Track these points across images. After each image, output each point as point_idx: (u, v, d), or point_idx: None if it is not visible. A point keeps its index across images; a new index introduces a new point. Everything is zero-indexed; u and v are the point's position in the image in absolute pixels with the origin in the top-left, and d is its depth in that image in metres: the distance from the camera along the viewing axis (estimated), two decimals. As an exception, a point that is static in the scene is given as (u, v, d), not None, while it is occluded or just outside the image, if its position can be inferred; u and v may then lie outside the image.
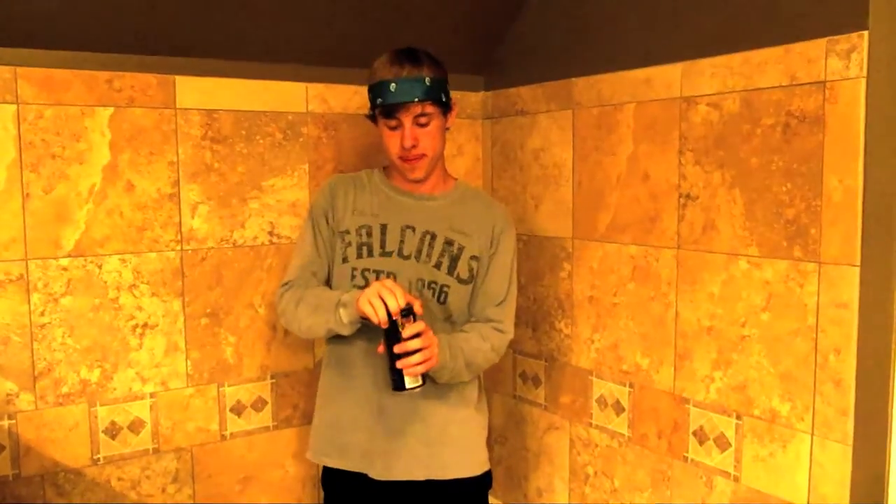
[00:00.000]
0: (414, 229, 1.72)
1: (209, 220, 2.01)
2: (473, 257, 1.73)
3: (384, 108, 1.65)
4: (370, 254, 1.72)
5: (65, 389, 1.85)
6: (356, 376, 1.73)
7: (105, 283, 1.88)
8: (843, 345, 1.57)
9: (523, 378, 2.40)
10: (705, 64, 1.78)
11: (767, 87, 1.66)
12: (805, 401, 1.64)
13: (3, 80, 1.73)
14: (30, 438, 1.81)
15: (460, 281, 1.72)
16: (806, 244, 1.61)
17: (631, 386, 2.04)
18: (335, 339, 1.75)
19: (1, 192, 1.74)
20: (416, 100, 1.62)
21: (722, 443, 1.81)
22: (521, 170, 2.34)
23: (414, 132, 1.65)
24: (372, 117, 1.71)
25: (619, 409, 2.08)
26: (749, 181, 1.71)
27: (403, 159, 1.68)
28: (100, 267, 1.87)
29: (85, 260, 1.85)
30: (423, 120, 1.65)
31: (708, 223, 1.80)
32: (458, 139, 2.44)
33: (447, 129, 1.75)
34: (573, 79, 2.13)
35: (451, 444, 1.75)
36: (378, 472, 1.72)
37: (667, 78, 1.87)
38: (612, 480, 2.12)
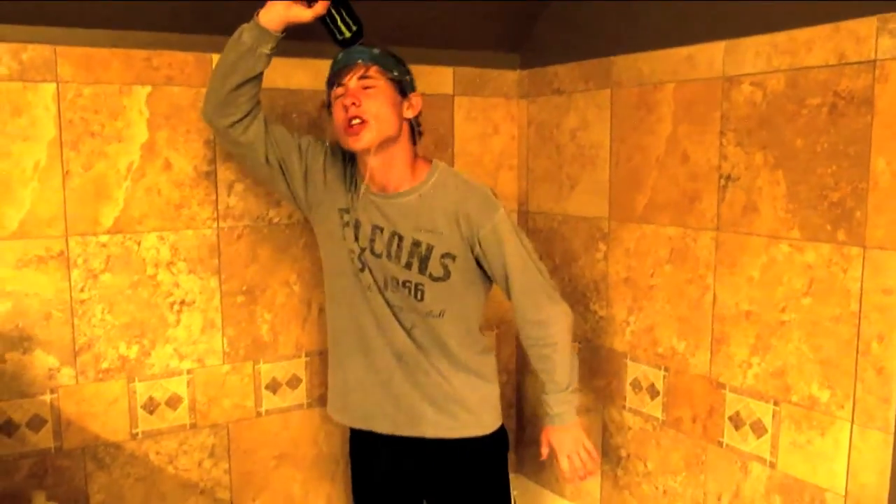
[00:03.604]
0: (382, 230, 1.70)
1: (245, 198, 2.02)
2: (446, 255, 1.68)
3: (330, 79, 1.66)
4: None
5: (104, 365, 1.88)
6: (351, 339, 1.79)
7: (143, 259, 1.90)
8: (887, 332, 1.53)
9: (557, 359, 2.39)
10: (749, 42, 1.73)
11: (814, 67, 1.61)
12: (845, 388, 1.61)
13: (42, 59, 1.74)
14: (71, 412, 1.85)
15: (434, 279, 1.69)
16: (850, 228, 1.58)
17: (666, 369, 2.02)
18: (329, 303, 1.84)
19: (42, 169, 1.76)
20: (360, 61, 1.62)
21: (758, 428, 1.79)
22: (558, 150, 2.31)
23: (357, 91, 1.62)
24: (329, 106, 1.69)
25: (653, 392, 2.06)
26: (793, 163, 1.67)
27: (347, 127, 1.63)
28: (138, 244, 1.89)
29: (124, 237, 1.87)
30: (367, 83, 1.62)
31: (749, 205, 1.77)
32: (494, 118, 2.41)
33: (407, 119, 1.68)
34: (612, 57, 2.10)
35: (455, 404, 1.76)
36: (384, 428, 1.79)
37: (709, 56, 1.83)
38: (644, 463, 2.11)
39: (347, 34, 1.62)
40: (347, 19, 1.61)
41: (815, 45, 1.61)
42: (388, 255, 1.70)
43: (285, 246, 2.09)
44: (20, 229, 1.75)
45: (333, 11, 1.60)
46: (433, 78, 2.28)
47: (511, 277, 1.69)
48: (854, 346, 1.59)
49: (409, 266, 1.69)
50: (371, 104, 1.61)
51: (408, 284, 1.70)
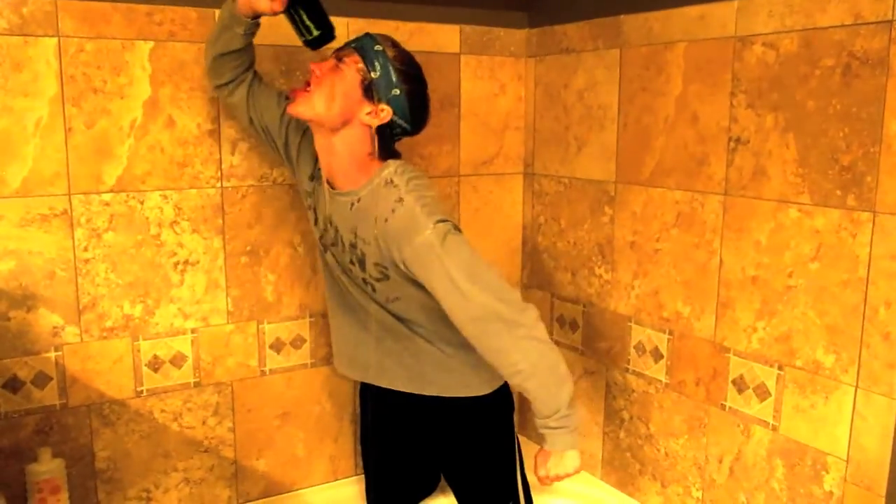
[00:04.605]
0: (331, 223, 1.70)
1: (249, 157, 2.00)
2: (377, 264, 1.62)
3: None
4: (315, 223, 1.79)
5: (109, 323, 1.88)
6: (342, 304, 1.83)
7: (147, 219, 1.89)
8: (895, 298, 1.52)
9: (560, 322, 2.39)
10: (763, 1, 1.70)
11: (829, 27, 1.58)
12: (851, 353, 1.61)
13: (44, 13, 1.71)
14: (76, 370, 1.85)
15: (375, 279, 1.66)
16: (861, 192, 1.56)
17: (670, 333, 2.02)
18: (323, 268, 1.85)
19: (44, 126, 1.74)
20: (353, 46, 1.59)
21: (762, 392, 1.79)
22: (565, 110, 2.29)
23: (327, 66, 1.58)
24: None
25: (657, 355, 2.06)
26: (804, 125, 1.65)
27: (298, 89, 1.60)
28: (142, 203, 1.88)
29: (127, 195, 1.86)
30: (340, 65, 1.57)
31: (758, 169, 1.75)
32: (501, 77, 2.38)
33: (366, 124, 1.58)
34: (622, 16, 2.06)
35: (449, 366, 1.76)
36: (387, 384, 1.82)
37: (721, 16, 1.79)
38: (647, 426, 2.12)
39: (308, 36, 1.61)
40: (308, 23, 1.59)
41: (831, 4, 1.57)
42: (336, 248, 1.71)
43: (289, 206, 2.07)
44: (23, 187, 1.74)
45: (292, 11, 1.58)
46: (439, 36, 2.24)
47: (445, 307, 1.53)
48: (861, 311, 1.58)
49: (353, 262, 1.68)
50: (327, 80, 1.56)
51: (358, 276, 1.70)
